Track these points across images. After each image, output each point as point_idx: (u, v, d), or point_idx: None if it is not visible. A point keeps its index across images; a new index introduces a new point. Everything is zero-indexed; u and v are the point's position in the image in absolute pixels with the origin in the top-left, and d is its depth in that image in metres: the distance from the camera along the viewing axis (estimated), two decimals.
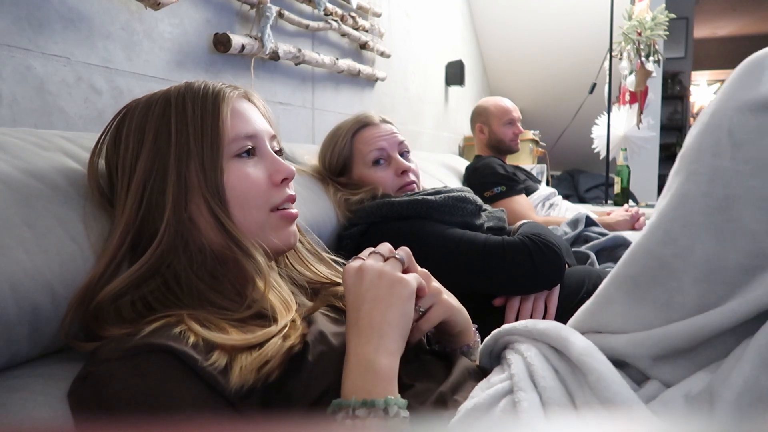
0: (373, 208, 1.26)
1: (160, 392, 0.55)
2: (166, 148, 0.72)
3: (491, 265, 1.15)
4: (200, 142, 0.73)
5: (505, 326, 0.76)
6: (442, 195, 1.26)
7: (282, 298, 0.72)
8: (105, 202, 0.75)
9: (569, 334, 0.66)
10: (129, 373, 0.55)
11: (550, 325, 0.69)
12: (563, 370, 0.64)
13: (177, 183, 0.72)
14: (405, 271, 0.73)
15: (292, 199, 0.80)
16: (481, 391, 0.68)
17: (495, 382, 0.68)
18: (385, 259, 0.72)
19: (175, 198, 0.72)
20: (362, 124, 1.41)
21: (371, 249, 0.75)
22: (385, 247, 0.75)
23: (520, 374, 0.65)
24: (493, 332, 0.78)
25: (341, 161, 1.40)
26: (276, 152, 0.81)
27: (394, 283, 0.68)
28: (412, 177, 1.40)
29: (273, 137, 0.82)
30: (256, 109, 0.82)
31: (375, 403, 0.58)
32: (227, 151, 0.75)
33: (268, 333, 0.64)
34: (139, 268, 0.69)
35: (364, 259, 0.73)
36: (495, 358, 0.79)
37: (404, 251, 0.75)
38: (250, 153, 0.77)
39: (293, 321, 0.69)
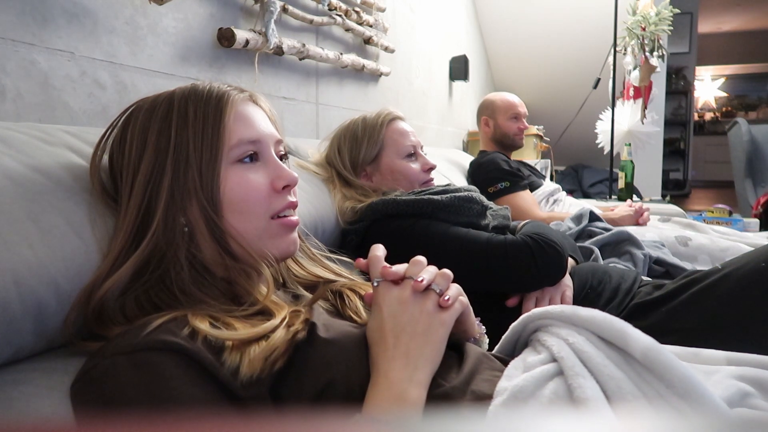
0: (379, 205, 1.25)
1: (165, 389, 0.55)
2: (165, 151, 0.71)
3: (494, 263, 1.16)
4: (199, 148, 0.71)
5: (537, 310, 0.75)
6: (448, 195, 1.25)
7: (274, 302, 0.72)
8: (107, 198, 0.75)
9: (625, 325, 0.65)
10: (134, 368, 0.55)
11: (597, 314, 0.68)
12: (617, 361, 0.63)
13: (171, 187, 0.71)
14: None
15: (293, 206, 0.79)
16: (517, 371, 0.66)
17: (534, 363, 0.67)
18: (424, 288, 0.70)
19: (166, 203, 0.71)
20: (394, 117, 1.44)
21: (409, 277, 0.71)
22: (429, 272, 0.71)
23: (570, 359, 0.63)
24: (523, 317, 0.77)
25: (374, 151, 1.40)
26: (281, 156, 0.80)
27: (433, 323, 0.68)
28: (433, 175, 1.45)
29: (278, 142, 0.80)
30: (261, 112, 0.80)
31: None
32: (229, 157, 0.73)
33: (272, 324, 0.64)
34: (127, 269, 0.68)
35: (400, 275, 0.71)
36: (522, 344, 0.77)
37: (443, 277, 0.72)
38: (253, 158, 0.76)
39: (295, 311, 0.69)
